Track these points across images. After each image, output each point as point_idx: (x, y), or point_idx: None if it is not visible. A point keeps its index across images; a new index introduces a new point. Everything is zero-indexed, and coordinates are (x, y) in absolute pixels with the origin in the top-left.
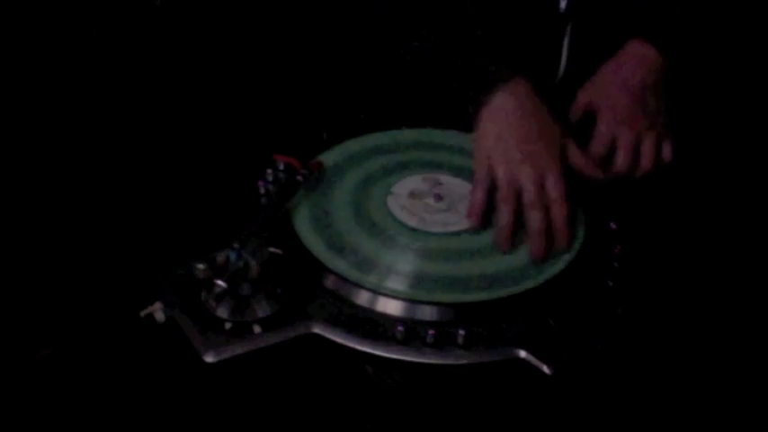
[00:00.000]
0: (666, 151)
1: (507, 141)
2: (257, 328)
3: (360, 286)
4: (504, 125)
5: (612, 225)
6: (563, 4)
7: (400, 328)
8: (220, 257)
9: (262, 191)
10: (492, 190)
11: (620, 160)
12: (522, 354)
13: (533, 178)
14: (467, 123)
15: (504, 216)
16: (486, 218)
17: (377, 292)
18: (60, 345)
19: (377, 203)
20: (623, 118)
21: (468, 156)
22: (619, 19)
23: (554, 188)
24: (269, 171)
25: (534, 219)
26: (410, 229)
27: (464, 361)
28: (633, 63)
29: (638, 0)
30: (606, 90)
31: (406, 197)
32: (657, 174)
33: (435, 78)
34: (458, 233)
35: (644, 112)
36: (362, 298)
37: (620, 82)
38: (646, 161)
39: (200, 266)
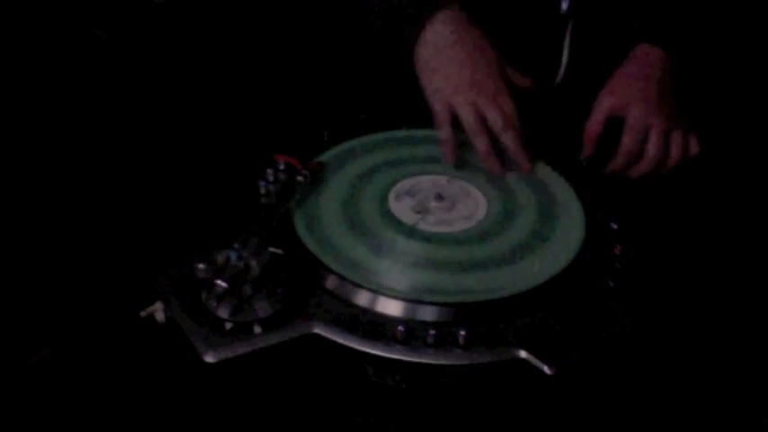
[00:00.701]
0: (693, 145)
1: (455, 78)
2: (257, 329)
3: (360, 286)
4: (448, 62)
5: (613, 225)
6: (564, 5)
7: (400, 328)
8: (221, 257)
9: (262, 191)
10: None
11: (651, 154)
12: (523, 354)
13: (494, 106)
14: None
15: (481, 145)
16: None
17: (377, 292)
18: (60, 345)
19: (377, 203)
20: (653, 111)
21: (467, 155)
22: (620, 20)
23: (508, 106)
24: (269, 171)
25: (509, 140)
26: (411, 229)
27: (464, 361)
28: (645, 64)
29: (638, 0)
30: (632, 87)
31: (406, 197)
32: (670, 172)
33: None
34: (458, 233)
35: (670, 106)
36: (363, 298)
37: (642, 80)
38: (675, 154)
39: (201, 266)
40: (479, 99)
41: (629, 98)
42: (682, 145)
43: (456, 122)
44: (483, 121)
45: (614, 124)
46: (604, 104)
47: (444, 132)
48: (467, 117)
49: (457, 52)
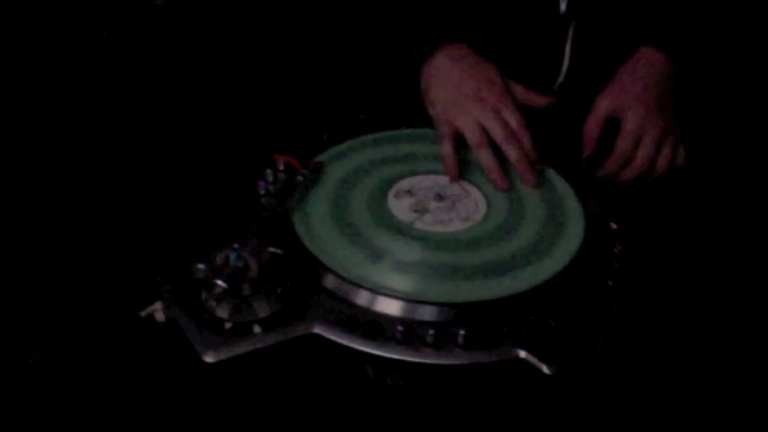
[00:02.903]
0: (681, 156)
1: (456, 93)
2: (257, 329)
3: (360, 286)
4: (448, 78)
5: (613, 225)
6: (563, 6)
7: (400, 328)
8: (220, 257)
9: (262, 191)
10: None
11: (642, 159)
12: (522, 354)
13: (494, 117)
14: None
15: (486, 159)
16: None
17: (377, 291)
18: (60, 344)
19: (377, 203)
20: (650, 116)
21: (471, 156)
22: (620, 21)
23: (513, 119)
24: (269, 171)
25: (511, 151)
26: (411, 229)
27: (464, 361)
28: (646, 68)
29: (640, 2)
30: (631, 90)
31: (406, 196)
32: (665, 177)
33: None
34: (457, 233)
35: (665, 113)
36: (362, 298)
37: (643, 82)
38: (663, 163)
39: (200, 266)
40: (481, 112)
41: (627, 102)
42: (670, 155)
43: (461, 139)
44: (486, 134)
45: (614, 126)
46: (603, 106)
47: (445, 149)
48: (469, 132)
49: (458, 72)
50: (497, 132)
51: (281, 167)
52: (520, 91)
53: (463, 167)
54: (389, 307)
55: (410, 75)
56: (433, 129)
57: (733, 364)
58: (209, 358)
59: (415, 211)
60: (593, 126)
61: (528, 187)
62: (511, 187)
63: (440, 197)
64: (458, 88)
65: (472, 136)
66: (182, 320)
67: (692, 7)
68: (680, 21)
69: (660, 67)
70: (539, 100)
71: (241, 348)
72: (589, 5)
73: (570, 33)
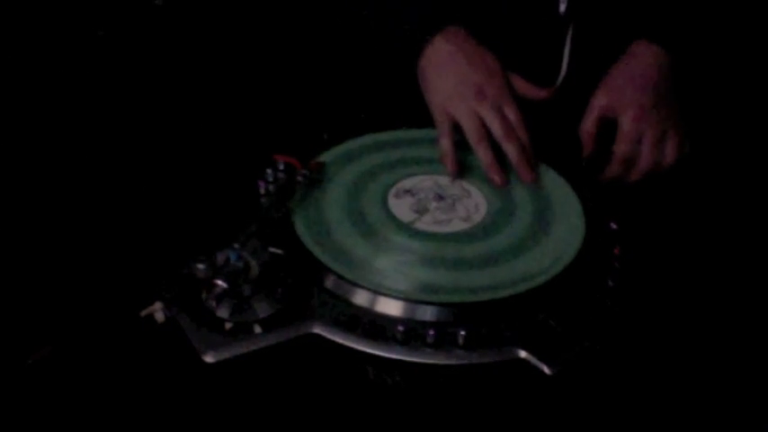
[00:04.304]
0: (686, 146)
1: (455, 82)
2: (257, 329)
3: (360, 286)
4: (448, 71)
5: (613, 225)
6: (562, 7)
7: (400, 328)
8: (220, 257)
9: (262, 191)
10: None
11: (645, 159)
12: (523, 354)
13: (495, 113)
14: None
15: (484, 155)
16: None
17: (377, 292)
18: (60, 344)
19: (377, 203)
20: (646, 115)
21: (471, 156)
22: (620, 21)
23: (513, 117)
24: (269, 171)
25: (512, 149)
26: (411, 229)
27: (464, 361)
28: (644, 63)
29: (639, 3)
30: (624, 90)
31: (406, 196)
32: (659, 173)
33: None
34: (456, 233)
35: (664, 108)
36: (362, 298)
37: (636, 81)
38: (670, 157)
39: (201, 266)
40: (481, 107)
41: (622, 102)
42: (676, 147)
43: (459, 133)
44: (485, 129)
45: (611, 127)
46: (596, 105)
47: (444, 144)
48: (468, 126)
49: (458, 62)
50: (497, 128)
51: (281, 167)
52: (520, 83)
53: (464, 168)
54: (389, 307)
55: (410, 74)
56: (434, 129)
57: (733, 364)
58: (209, 358)
59: (416, 211)
60: (588, 126)
61: (528, 187)
62: (508, 184)
63: (440, 197)
64: (458, 80)
65: (471, 130)
66: (182, 320)
67: (691, 4)
68: (673, 12)
69: (654, 59)
70: (538, 93)
71: (241, 348)
72: (588, 6)
73: (569, 34)
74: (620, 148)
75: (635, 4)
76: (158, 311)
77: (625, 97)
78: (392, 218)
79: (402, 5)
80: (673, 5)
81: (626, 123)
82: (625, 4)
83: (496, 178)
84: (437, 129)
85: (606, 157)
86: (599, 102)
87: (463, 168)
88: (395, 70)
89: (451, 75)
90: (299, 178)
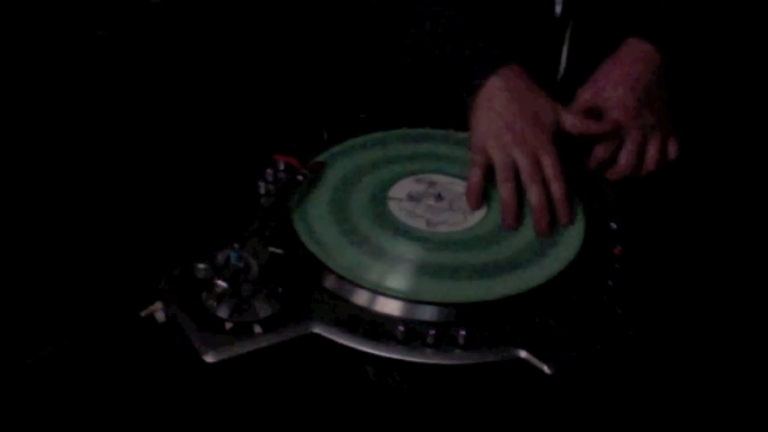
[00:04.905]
0: (672, 150)
1: (499, 124)
2: (257, 329)
3: (360, 286)
4: (497, 108)
5: (613, 225)
6: (558, 9)
7: (401, 328)
8: (221, 257)
9: (262, 191)
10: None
11: (625, 162)
12: (523, 354)
13: (528, 157)
14: (465, 123)
15: (506, 194)
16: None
17: (377, 291)
18: (61, 344)
19: (377, 203)
20: (630, 117)
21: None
22: (617, 23)
23: (550, 166)
24: (269, 171)
25: (535, 194)
26: (410, 229)
27: (464, 361)
28: (633, 61)
29: (636, 4)
30: (609, 89)
31: (405, 197)
32: (659, 172)
33: (435, 78)
34: (456, 233)
35: (650, 110)
36: (362, 298)
37: (623, 80)
38: (650, 162)
39: (201, 266)
40: (515, 149)
41: (608, 101)
42: (657, 155)
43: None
44: (515, 171)
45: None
46: (580, 99)
47: (474, 174)
48: (499, 163)
49: (509, 107)
50: (525, 169)
51: (282, 167)
52: (570, 122)
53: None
54: (390, 307)
55: (409, 73)
56: (434, 128)
57: (733, 364)
58: (209, 358)
59: (416, 210)
60: (570, 120)
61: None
62: (515, 229)
63: (439, 197)
64: (503, 123)
65: (501, 168)
66: (182, 320)
67: (684, 3)
68: (666, 10)
69: (647, 57)
70: (588, 127)
71: (241, 348)
72: (585, 8)
73: (567, 36)
74: (598, 148)
75: (631, 4)
76: (158, 311)
77: (609, 97)
78: (392, 217)
79: (455, 36)
80: (666, 4)
81: (607, 124)
82: (621, 5)
83: (508, 218)
84: (471, 163)
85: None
86: (582, 98)
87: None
88: (398, 66)
89: (499, 117)
90: (300, 178)
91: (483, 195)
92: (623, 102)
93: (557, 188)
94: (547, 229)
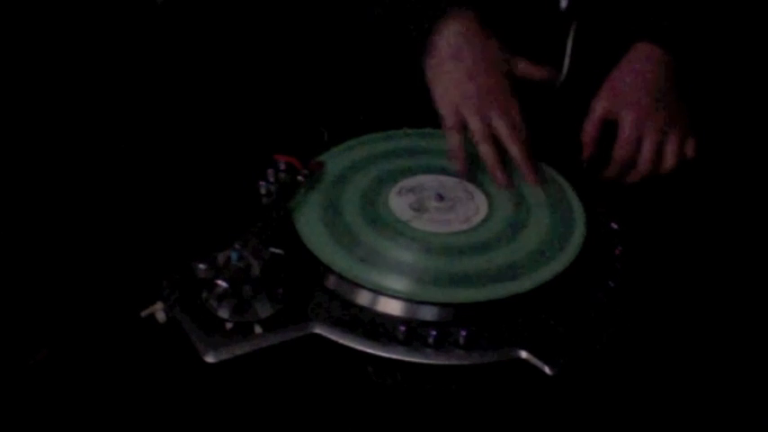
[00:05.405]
0: (690, 149)
1: (463, 84)
2: (258, 329)
3: (360, 286)
4: (452, 68)
5: (613, 225)
6: (564, 4)
7: (401, 328)
8: (221, 257)
9: (262, 191)
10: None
11: (644, 163)
12: (523, 354)
13: (500, 114)
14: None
15: (488, 154)
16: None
17: (378, 292)
18: (61, 345)
19: (378, 203)
20: (646, 119)
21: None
22: (622, 18)
23: (517, 118)
24: (269, 171)
25: (516, 150)
26: (410, 229)
27: (465, 361)
28: (644, 64)
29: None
30: (624, 93)
31: (408, 194)
32: (660, 173)
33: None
34: (455, 233)
35: (666, 109)
36: (363, 298)
37: (637, 83)
38: (670, 161)
39: (202, 266)
40: (488, 108)
41: (623, 104)
42: (676, 151)
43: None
44: (490, 129)
45: (613, 127)
46: (597, 107)
47: (453, 140)
48: (475, 125)
49: (464, 61)
50: (503, 128)
51: (282, 167)
52: (523, 66)
53: (467, 169)
54: (390, 307)
55: (410, 73)
56: (434, 128)
57: (733, 364)
58: (209, 358)
59: (415, 210)
60: (589, 130)
61: (530, 188)
62: (511, 184)
63: (441, 197)
64: (464, 82)
65: (479, 130)
66: (183, 320)
67: (692, 5)
68: (675, 12)
69: (657, 63)
70: (542, 73)
71: (242, 348)
72: (590, 3)
73: (571, 31)
74: (619, 151)
75: (636, 1)
76: (159, 311)
77: (626, 99)
78: (392, 217)
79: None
80: (674, 6)
81: (626, 126)
82: (626, 2)
83: (499, 176)
84: (444, 125)
85: (607, 159)
86: (600, 104)
87: (468, 170)
88: (398, 66)
89: (460, 74)
90: (300, 178)
91: (468, 156)
92: (639, 102)
93: (523, 138)
94: (537, 176)
